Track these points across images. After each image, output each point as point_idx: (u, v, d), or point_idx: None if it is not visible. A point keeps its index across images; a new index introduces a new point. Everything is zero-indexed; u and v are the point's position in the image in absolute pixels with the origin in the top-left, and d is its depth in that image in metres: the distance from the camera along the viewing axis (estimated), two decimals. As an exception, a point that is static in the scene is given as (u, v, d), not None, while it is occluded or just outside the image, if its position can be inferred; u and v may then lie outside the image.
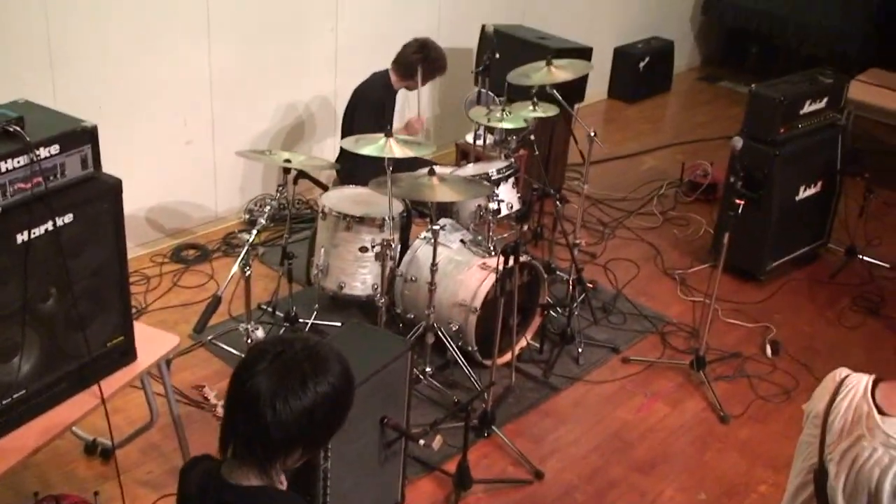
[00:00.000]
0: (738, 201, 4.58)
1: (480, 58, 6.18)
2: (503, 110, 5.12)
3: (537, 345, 5.04)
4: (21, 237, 2.92)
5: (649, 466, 4.39)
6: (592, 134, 5.08)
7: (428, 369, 4.70)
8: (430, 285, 4.49)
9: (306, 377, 1.95)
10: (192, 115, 5.68)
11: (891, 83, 7.39)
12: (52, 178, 2.99)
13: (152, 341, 3.60)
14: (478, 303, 4.57)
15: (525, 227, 5.16)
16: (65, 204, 3.04)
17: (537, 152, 5.39)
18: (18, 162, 2.86)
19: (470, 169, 5.15)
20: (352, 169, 5.27)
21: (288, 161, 4.71)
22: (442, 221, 4.88)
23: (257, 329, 4.53)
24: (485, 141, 5.65)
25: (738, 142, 4.81)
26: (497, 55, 5.47)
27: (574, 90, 6.14)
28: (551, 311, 5.16)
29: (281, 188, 4.62)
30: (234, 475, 2.03)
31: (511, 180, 5.07)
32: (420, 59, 5.50)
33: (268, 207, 4.56)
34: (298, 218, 6.01)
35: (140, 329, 3.55)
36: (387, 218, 4.53)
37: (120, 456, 3.95)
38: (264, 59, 5.92)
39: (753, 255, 5.78)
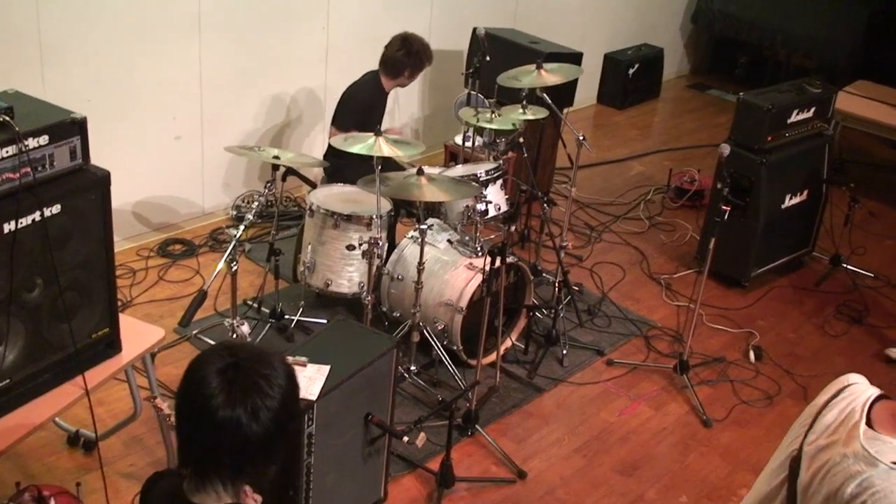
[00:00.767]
0: (724, 207, 4.60)
1: (471, 60, 6.19)
2: (492, 112, 5.14)
3: (522, 346, 5.06)
4: (8, 227, 2.92)
5: (631, 468, 4.41)
6: (581, 138, 5.10)
7: (413, 368, 4.71)
8: (416, 284, 4.50)
9: (265, 376, 1.90)
10: (182, 110, 5.68)
11: (878, 95, 7.44)
12: (40, 168, 2.99)
13: (137, 334, 3.60)
14: (464, 303, 4.59)
15: (512, 229, 5.17)
16: (53, 195, 3.04)
17: (526, 155, 5.42)
18: (7, 152, 2.87)
19: (458, 170, 5.16)
20: (340, 167, 5.27)
21: (277, 158, 4.71)
22: (429, 221, 4.89)
23: (243, 324, 4.53)
24: (473, 143, 5.67)
25: (726, 149, 4.84)
26: (488, 58, 5.49)
27: (563, 95, 6.17)
28: (537, 313, 5.18)
29: (269, 185, 4.62)
30: (200, 495, 1.96)
31: (499, 182, 5.09)
32: (405, 55, 5.50)
33: (255, 204, 4.56)
34: (286, 215, 6.02)
35: (125, 322, 3.55)
36: (374, 216, 4.54)
37: (103, 448, 3.95)
38: (255, 55, 5.92)
39: (739, 262, 5.81)
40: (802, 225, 6.09)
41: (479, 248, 4.80)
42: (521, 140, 5.37)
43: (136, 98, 5.41)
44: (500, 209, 5.06)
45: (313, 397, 3.27)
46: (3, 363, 3.07)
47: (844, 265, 6.16)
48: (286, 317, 5.01)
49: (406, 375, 4.67)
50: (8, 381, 3.10)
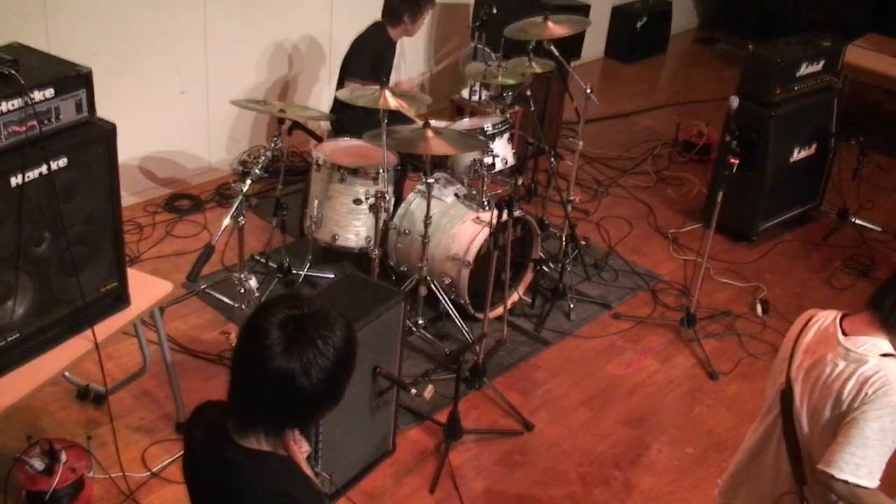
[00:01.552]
0: (732, 160, 4.58)
1: (477, 13, 6.15)
2: (499, 66, 5.10)
3: (529, 299, 5.07)
4: (15, 180, 2.92)
5: (638, 421, 4.43)
6: (588, 90, 5.07)
7: (420, 321, 4.72)
8: (423, 238, 4.50)
9: (322, 336, 1.93)
10: (187, 64, 5.65)
11: (888, 48, 7.37)
12: (46, 121, 2.98)
13: (146, 287, 3.61)
14: (471, 256, 4.59)
15: (519, 182, 5.15)
16: (59, 148, 3.03)
17: (533, 108, 5.39)
18: (13, 105, 2.85)
19: (465, 123, 5.14)
20: (346, 120, 5.25)
21: (283, 111, 4.69)
22: (436, 175, 4.88)
23: (250, 279, 4.55)
24: (480, 96, 5.64)
25: (735, 101, 4.81)
26: (494, 10, 5.45)
27: (570, 48, 6.12)
28: (544, 267, 5.18)
29: (275, 139, 4.60)
30: (242, 436, 2.00)
31: (506, 136, 5.07)
32: (401, 1, 5.39)
33: (262, 158, 4.55)
34: (292, 170, 5.99)
35: (133, 275, 3.56)
36: (381, 170, 4.53)
37: (112, 402, 3.97)
38: (259, 8, 5.87)
39: (746, 216, 5.80)
40: (810, 179, 6.06)
41: (485, 202, 4.80)
42: (529, 93, 5.34)
43: (140, 53, 5.37)
44: (506, 163, 5.05)
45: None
46: (13, 317, 3.08)
47: (852, 219, 6.15)
48: (293, 271, 5.01)
49: (413, 329, 4.68)
50: (18, 334, 3.11)
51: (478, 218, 4.70)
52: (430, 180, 4.50)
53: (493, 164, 4.91)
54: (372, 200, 4.46)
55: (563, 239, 5.23)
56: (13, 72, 2.86)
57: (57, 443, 3.59)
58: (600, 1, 8.13)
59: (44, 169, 2.99)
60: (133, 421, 4.09)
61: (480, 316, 4.61)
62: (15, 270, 3.02)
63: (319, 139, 5.44)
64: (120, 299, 3.47)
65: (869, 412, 2.49)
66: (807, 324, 2.76)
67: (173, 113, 5.70)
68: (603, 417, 4.43)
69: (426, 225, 4.47)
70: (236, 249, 4.60)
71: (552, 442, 4.25)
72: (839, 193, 6.17)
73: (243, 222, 4.43)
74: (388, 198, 4.51)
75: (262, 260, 5.16)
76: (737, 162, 4.59)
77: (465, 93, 5.84)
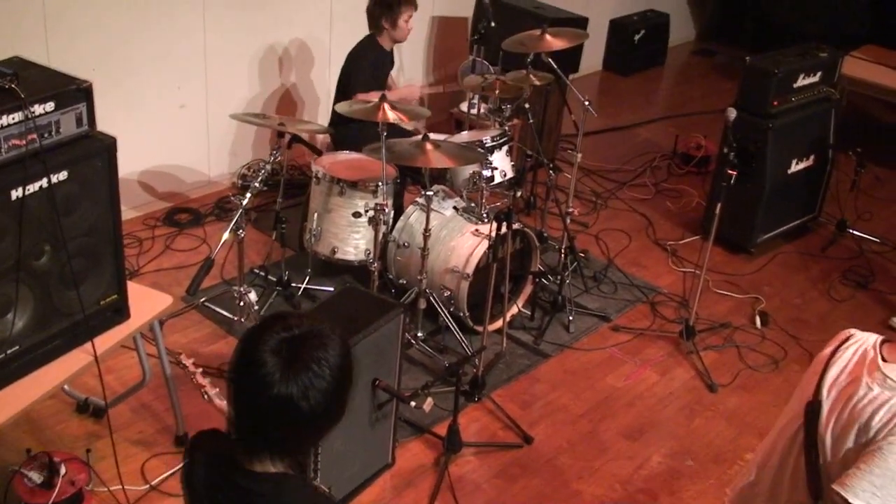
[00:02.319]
0: (730, 172, 4.59)
1: (476, 26, 6.16)
2: (497, 79, 5.11)
3: (528, 312, 5.07)
4: (16, 194, 2.93)
5: (638, 433, 4.43)
6: (587, 102, 5.09)
7: (420, 334, 4.72)
8: (422, 251, 4.51)
9: (316, 359, 1.92)
10: (186, 79, 5.67)
11: (885, 59, 7.38)
12: (46, 135, 2.99)
13: (145, 300, 3.62)
14: (470, 269, 4.59)
15: (518, 195, 5.17)
16: (59, 161, 3.04)
17: (531, 121, 5.40)
18: (13, 118, 2.87)
19: (464, 136, 5.15)
20: (345, 134, 5.27)
21: (282, 125, 4.71)
22: (435, 188, 4.89)
23: (250, 292, 4.56)
24: (479, 109, 5.65)
25: (732, 113, 4.81)
26: (493, 24, 5.46)
27: (568, 61, 6.13)
28: (543, 279, 5.18)
29: (274, 152, 4.61)
30: (251, 462, 2.00)
31: (505, 148, 5.08)
32: (373, 4, 5.36)
33: (261, 172, 4.56)
34: (291, 183, 6.00)
35: (133, 288, 3.58)
36: (380, 183, 4.54)
37: (112, 415, 3.96)
38: (258, 23, 5.89)
39: (744, 228, 5.81)
40: (808, 190, 6.08)
41: (484, 215, 4.81)
42: (527, 106, 5.35)
43: (140, 67, 5.39)
44: (505, 175, 5.06)
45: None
46: (13, 330, 3.09)
47: (850, 230, 6.16)
48: (293, 284, 5.02)
49: (413, 342, 4.68)
50: (17, 347, 3.12)
51: (477, 230, 4.71)
52: (430, 193, 4.51)
53: (491, 177, 4.92)
54: (371, 213, 4.46)
55: (563, 251, 5.24)
56: (13, 86, 2.88)
57: (56, 456, 3.59)
58: (598, 14, 8.14)
59: (44, 182, 3.00)
60: (132, 434, 4.09)
61: (480, 328, 4.62)
62: (15, 283, 3.03)
63: (319, 152, 5.46)
64: (120, 312, 3.48)
65: None
66: (844, 342, 2.69)
67: (173, 127, 5.72)
68: (602, 430, 4.43)
69: (425, 238, 4.48)
70: (236, 263, 4.61)
71: (552, 454, 4.25)
72: (837, 205, 6.18)
73: (243, 236, 4.44)
74: (387, 211, 4.52)
75: (262, 273, 5.17)
76: (735, 174, 4.60)
77: (463, 106, 5.86)
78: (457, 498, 3.92)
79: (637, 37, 8.76)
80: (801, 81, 5.68)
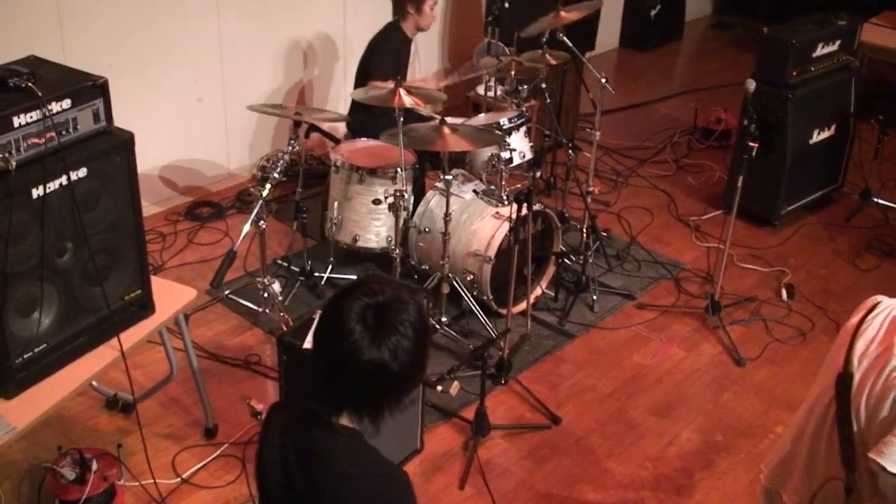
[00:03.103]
0: (751, 144, 4.55)
1: (490, 8, 6.13)
2: (513, 60, 5.09)
3: (552, 293, 5.06)
4: (36, 192, 2.95)
5: (666, 409, 4.41)
6: (604, 80, 5.05)
7: (444, 319, 4.72)
8: (443, 236, 4.50)
9: (402, 321, 2.02)
10: (202, 72, 5.67)
11: (906, 25, 7.31)
12: (64, 132, 3.01)
13: (170, 295, 3.63)
14: (492, 252, 4.58)
15: (538, 175, 5.15)
16: (78, 158, 3.06)
17: (549, 101, 5.37)
18: (31, 117, 2.89)
19: (481, 119, 5.13)
20: (363, 121, 5.26)
21: (299, 115, 4.70)
22: (454, 172, 4.87)
23: (273, 283, 4.57)
24: (496, 91, 5.63)
25: (751, 84, 4.77)
26: (507, 4, 5.43)
27: (584, 38, 6.11)
28: (566, 260, 5.16)
29: (292, 142, 4.61)
30: (331, 415, 2.10)
31: (523, 129, 5.05)
32: None
33: (280, 163, 4.55)
34: (311, 173, 6.00)
35: (157, 283, 3.59)
36: (399, 169, 4.53)
37: (141, 410, 3.99)
38: (272, 12, 5.89)
39: (767, 200, 5.76)
40: (831, 160, 6.02)
41: (505, 197, 4.79)
42: (544, 86, 5.32)
43: (156, 62, 5.40)
44: (524, 157, 5.04)
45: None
46: (40, 328, 3.11)
47: (874, 199, 6.09)
48: (316, 274, 5.03)
49: (437, 327, 4.68)
50: (45, 345, 3.14)
51: (497, 213, 4.70)
52: (449, 177, 4.49)
53: (510, 159, 4.90)
54: (391, 200, 4.46)
55: (584, 231, 5.22)
56: (30, 84, 2.89)
57: (87, 452, 3.62)
58: (613, -10, 8.11)
59: (64, 180, 3.02)
60: (162, 428, 4.11)
61: (504, 311, 4.61)
62: (40, 281, 3.05)
63: (337, 141, 5.45)
64: (144, 307, 3.49)
65: None
66: (871, 310, 2.66)
67: (191, 121, 5.73)
68: (631, 408, 4.41)
69: (446, 222, 4.47)
70: (258, 254, 4.62)
71: (581, 434, 4.24)
72: (860, 174, 6.12)
73: (264, 227, 4.45)
74: (406, 196, 4.51)
75: (285, 264, 5.18)
76: (756, 146, 4.56)
77: (480, 89, 5.83)
78: (487, 481, 3.92)
79: (653, 12, 8.69)
80: (820, 51, 5.62)
